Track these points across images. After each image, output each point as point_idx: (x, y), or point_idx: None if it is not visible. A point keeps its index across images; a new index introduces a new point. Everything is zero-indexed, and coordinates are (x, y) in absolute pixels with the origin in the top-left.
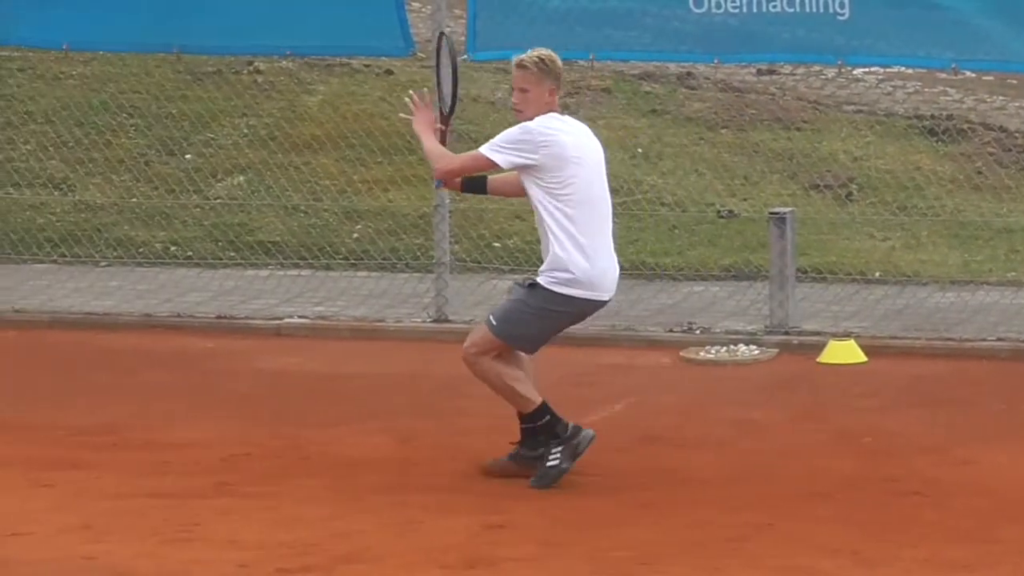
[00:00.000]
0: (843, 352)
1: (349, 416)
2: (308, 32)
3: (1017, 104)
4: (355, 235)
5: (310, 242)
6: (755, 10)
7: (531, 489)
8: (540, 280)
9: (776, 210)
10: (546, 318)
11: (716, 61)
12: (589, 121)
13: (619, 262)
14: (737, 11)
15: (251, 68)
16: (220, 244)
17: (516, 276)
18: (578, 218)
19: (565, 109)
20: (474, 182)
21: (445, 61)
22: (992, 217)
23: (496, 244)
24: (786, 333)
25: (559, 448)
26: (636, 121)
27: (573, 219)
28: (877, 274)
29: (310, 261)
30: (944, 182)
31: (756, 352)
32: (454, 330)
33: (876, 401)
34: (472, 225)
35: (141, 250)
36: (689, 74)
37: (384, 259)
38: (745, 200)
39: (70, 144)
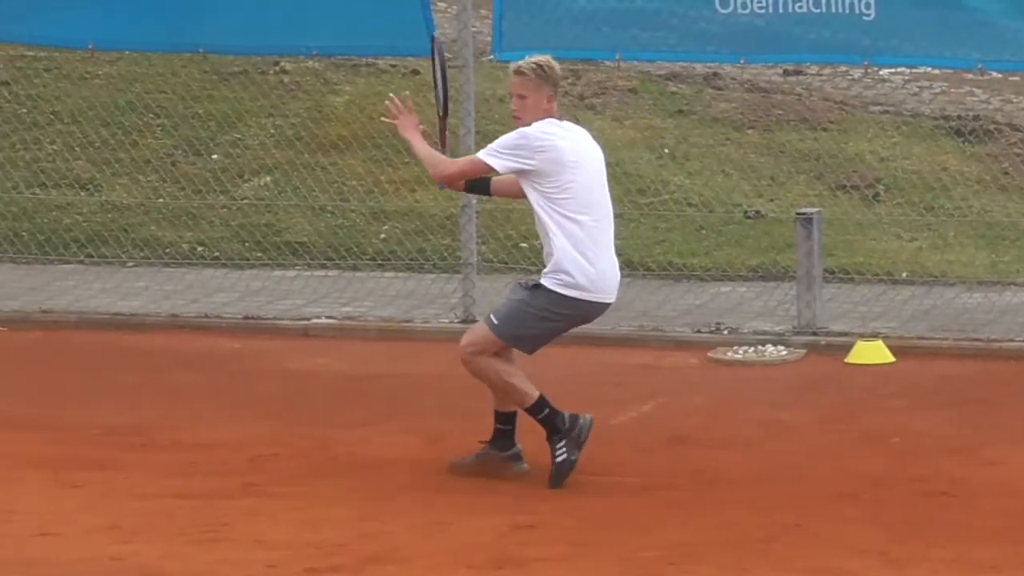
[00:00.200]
0: (871, 353)
1: (377, 417)
2: (334, 32)
3: None
4: (382, 236)
5: (337, 243)
6: (781, 10)
7: (560, 489)
8: (544, 282)
9: (803, 211)
10: (549, 320)
11: (742, 61)
12: (615, 122)
13: (646, 262)
14: (763, 11)
15: (277, 68)
16: (247, 244)
17: None
18: (578, 222)
19: (591, 109)
20: (477, 183)
21: (437, 64)
22: (1019, 218)
23: (523, 244)
24: (814, 334)
25: (563, 442)
26: (663, 121)
27: (573, 223)
28: (904, 275)
29: (337, 262)
30: (971, 183)
31: (784, 353)
32: None
33: (904, 402)
34: (499, 225)
35: (168, 250)
36: (715, 74)
37: (411, 260)
38: (772, 201)
39: (96, 144)
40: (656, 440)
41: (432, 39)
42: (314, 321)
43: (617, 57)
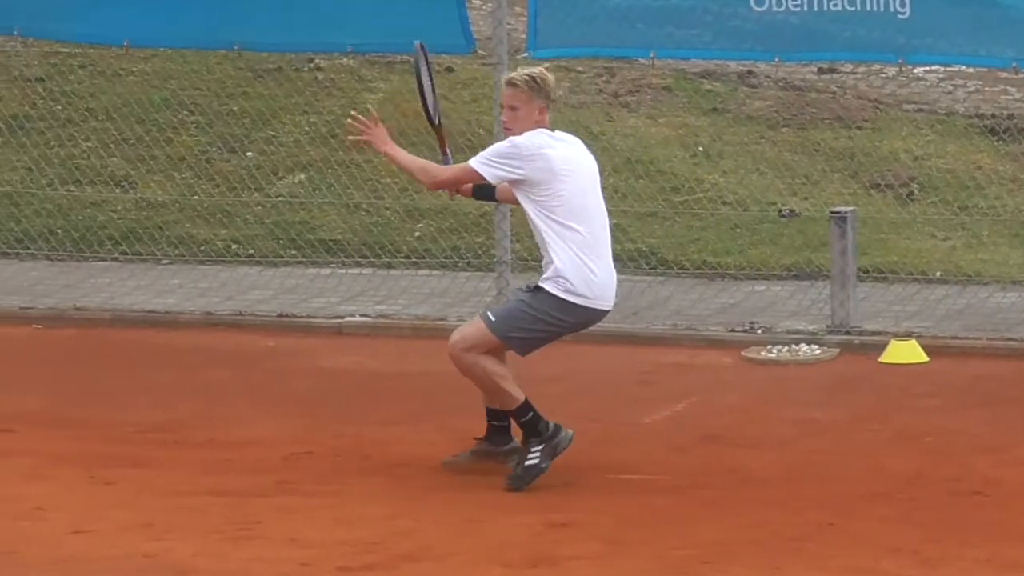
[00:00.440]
0: (904, 352)
1: (410, 415)
2: (369, 29)
3: None
4: (417, 233)
5: (371, 240)
6: (816, 8)
7: (593, 488)
8: (545, 286)
9: (837, 209)
10: (547, 324)
11: (777, 59)
12: (649, 119)
13: (680, 261)
14: (798, 9)
15: (312, 65)
16: (281, 242)
17: None
18: (573, 230)
19: (625, 107)
20: (483, 189)
21: (424, 72)
22: None
23: None
24: (847, 333)
25: (540, 447)
26: (697, 119)
27: (570, 231)
28: (938, 274)
29: (371, 259)
30: (1005, 181)
31: (817, 352)
32: None
33: (937, 401)
34: None
35: (203, 248)
36: (750, 72)
37: (446, 257)
38: (806, 199)
39: (131, 141)
40: (690, 439)
41: (420, 45)
42: (348, 319)
43: (651, 55)
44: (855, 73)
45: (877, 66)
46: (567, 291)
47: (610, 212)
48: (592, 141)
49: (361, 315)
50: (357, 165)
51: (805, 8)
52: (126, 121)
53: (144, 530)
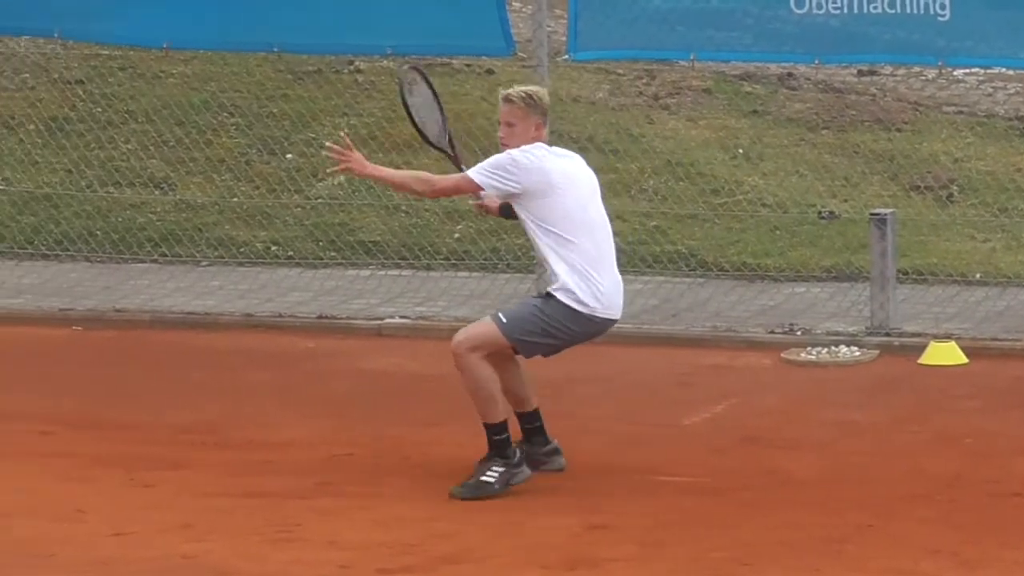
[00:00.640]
0: (944, 353)
1: (450, 416)
2: (409, 31)
3: None
4: (456, 235)
5: (411, 242)
6: (856, 11)
7: (632, 490)
8: (556, 295)
9: (877, 211)
10: (558, 331)
11: (817, 62)
12: (690, 122)
13: (720, 263)
14: (838, 12)
15: (352, 67)
16: (321, 244)
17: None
18: (576, 244)
19: (665, 110)
20: (509, 208)
21: (428, 91)
22: None
23: None
24: (887, 334)
25: (502, 470)
26: (737, 122)
27: (570, 245)
28: (978, 275)
29: (411, 261)
30: None
31: (857, 353)
32: None
33: (977, 402)
34: None
35: (242, 250)
36: (790, 75)
37: (485, 259)
38: (846, 201)
39: (171, 143)
40: (729, 441)
41: (415, 70)
42: (387, 321)
43: (692, 57)
44: (895, 75)
45: (917, 68)
46: (577, 301)
47: (650, 214)
48: (632, 143)
49: (401, 317)
50: (396, 167)
51: (845, 10)
52: (166, 123)
53: (183, 532)
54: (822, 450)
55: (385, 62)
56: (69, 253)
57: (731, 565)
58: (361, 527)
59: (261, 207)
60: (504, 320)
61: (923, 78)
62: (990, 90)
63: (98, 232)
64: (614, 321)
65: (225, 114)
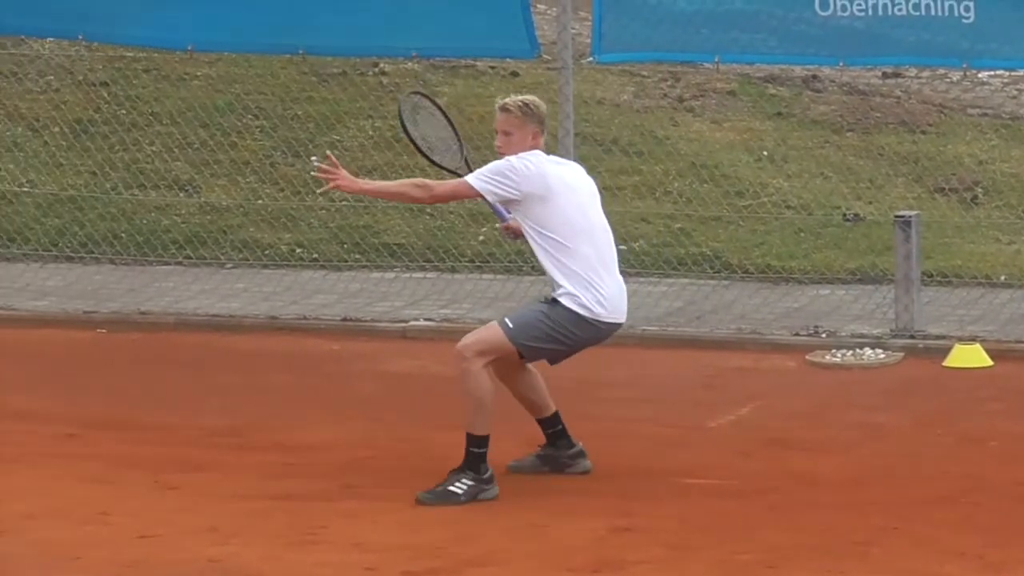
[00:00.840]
0: (969, 356)
1: None
2: (434, 34)
3: None
4: (481, 237)
5: (436, 244)
6: (880, 13)
7: (658, 492)
8: (561, 300)
9: (901, 213)
10: (564, 336)
11: (841, 64)
12: (714, 124)
13: (745, 265)
14: (863, 14)
15: (376, 69)
16: (346, 246)
17: (641, 279)
18: (577, 250)
19: (690, 112)
20: None
21: (439, 113)
22: None
23: (622, 247)
24: (912, 337)
25: (471, 484)
26: (761, 124)
27: (571, 251)
28: (1003, 278)
29: (436, 264)
30: None
31: (882, 356)
32: None
33: (1002, 405)
34: None
35: (267, 252)
36: (814, 77)
37: (510, 262)
38: (870, 203)
39: (195, 145)
40: (754, 443)
41: (416, 93)
42: (412, 323)
43: (716, 59)
44: (919, 78)
45: (941, 71)
46: (581, 306)
47: (674, 216)
48: (657, 145)
49: (425, 319)
50: (422, 169)
51: (870, 13)
52: (190, 125)
53: (209, 535)
54: (847, 452)
55: (410, 64)
56: (94, 255)
57: (757, 568)
58: (386, 529)
59: (286, 209)
60: (510, 325)
61: (948, 80)
62: (1015, 92)
63: (123, 234)
64: (619, 325)
65: (250, 116)
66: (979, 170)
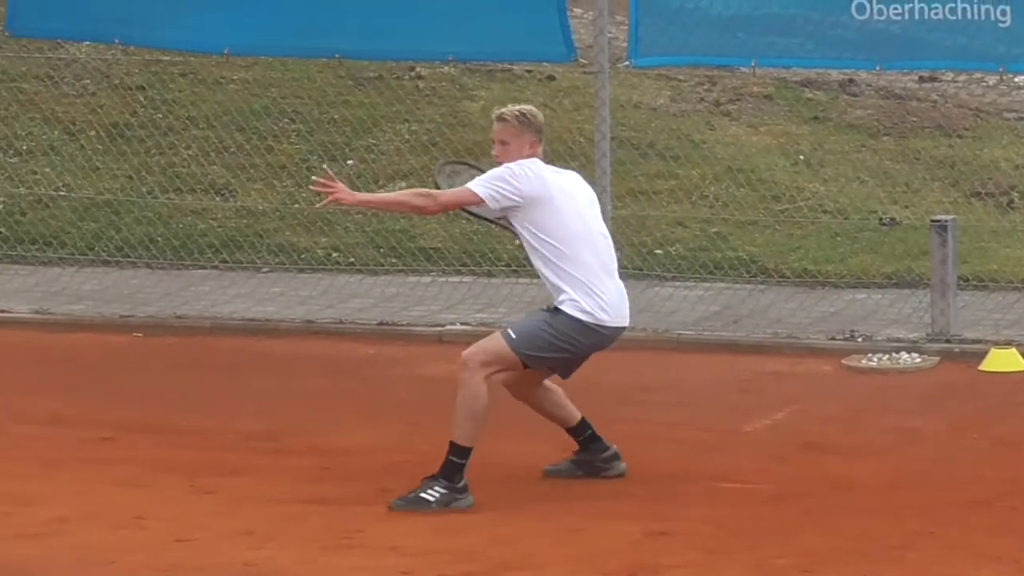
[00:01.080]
0: (1005, 360)
1: (511, 423)
2: (470, 38)
3: None
4: (517, 241)
5: (472, 249)
6: (917, 17)
7: (694, 497)
8: (563, 307)
9: (938, 218)
10: (565, 343)
11: (878, 68)
12: (751, 128)
13: (781, 269)
14: (899, 18)
15: (412, 74)
16: (382, 250)
17: (677, 283)
18: (575, 256)
19: (726, 116)
20: None
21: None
22: None
23: (658, 251)
24: (947, 341)
25: (444, 492)
26: (798, 128)
27: (570, 258)
28: None
29: (472, 268)
30: None
31: (918, 360)
32: None
33: None
34: (634, 232)
35: (303, 256)
36: (851, 81)
37: None
38: (907, 208)
39: (231, 149)
40: (790, 447)
41: (450, 162)
42: (448, 327)
43: (753, 63)
44: (956, 82)
45: (978, 75)
46: (584, 312)
47: (711, 220)
48: (693, 149)
49: (461, 323)
50: (458, 174)
51: (906, 17)
52: (227, 129)
53: (245, 539)
54: (883, 457)
55: (446, 68)
56: (130, 259)
57: (793, 572)
58: (422, 533)
59: (322, 213)
60: (513, 336)
61: (984, 84)
62: None
63: (159, 238)
64: (623, 329)
65: (286, 120)
66: (1015, 174)
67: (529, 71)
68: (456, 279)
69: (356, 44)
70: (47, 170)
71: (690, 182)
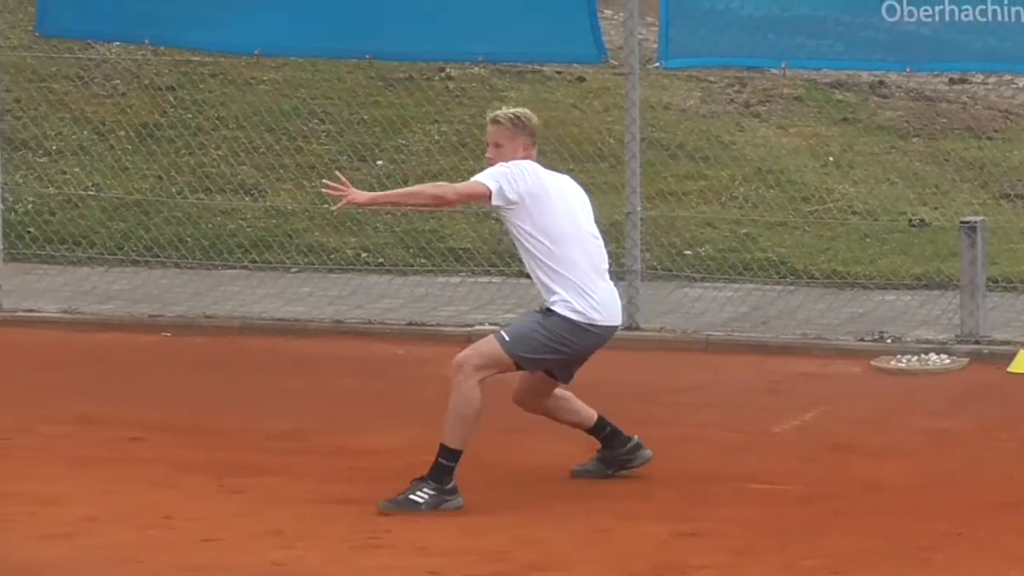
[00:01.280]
0: None
1: (539, 423)
2: (500, 39)
3: None
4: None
5: (501, 249)
6: (947, 19)
7: (721, 497)
8: (555, 308)
9: (967, 219)
10: (561, 345)
11: (908, 69)
12: (780, 129)
13: (810, 270)
14: (929, 20)
15: (443, 74)
16: (411, 251)
17: (706, 284)
18: (565, 256)
19: (756, 117)
20: None
21: None
22: None
23: (687, 252)
24: (977, 342)
25: (433, 494)
26: (828, 129)
27: (559, 258)
28: None
29: (501, 268)
30: None
31: (947, 361)
32: (644, 338)
33: None
34: (663, 233)
35: (332, 256)
36: (881, 83)
37: None
38: (936, 209)
39: (261, 150)
40: (818, 448)
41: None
42: (478, 328)
43: (783, 65)
44: (986, 84)
45: (1008, 77)
46: (576, 312)
47: (740, 221)
48: (723, 151)
49: (491, 324)
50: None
51: (936, 18)
52: (256, 130)
53: (273, 538)
54: (911, 458)
55: (476, 69)
56: (159, 259)
57: (821, 573)
58: (449, 534)
59: (351, 214)
60: (506, 339)
61: (1014, 86)
62: None
63: (188, 238)
64: (616, 328)
65: (316, 121)
66: None
67: (559, 72)
68: (485, 279)
69: (386, 45)
70: (76, 170)
71: (719, 183)
